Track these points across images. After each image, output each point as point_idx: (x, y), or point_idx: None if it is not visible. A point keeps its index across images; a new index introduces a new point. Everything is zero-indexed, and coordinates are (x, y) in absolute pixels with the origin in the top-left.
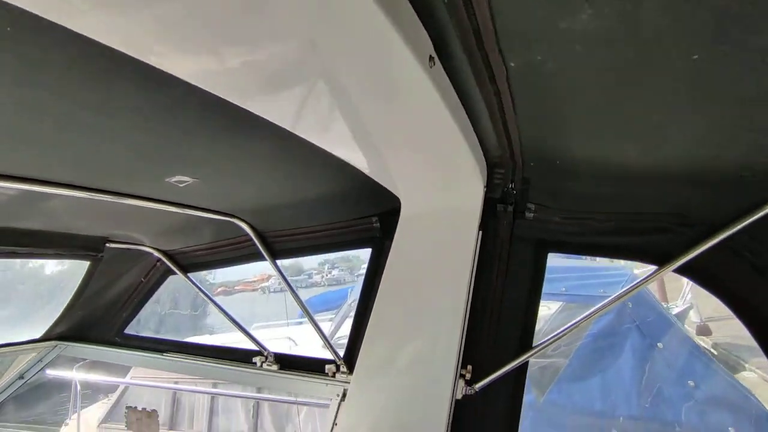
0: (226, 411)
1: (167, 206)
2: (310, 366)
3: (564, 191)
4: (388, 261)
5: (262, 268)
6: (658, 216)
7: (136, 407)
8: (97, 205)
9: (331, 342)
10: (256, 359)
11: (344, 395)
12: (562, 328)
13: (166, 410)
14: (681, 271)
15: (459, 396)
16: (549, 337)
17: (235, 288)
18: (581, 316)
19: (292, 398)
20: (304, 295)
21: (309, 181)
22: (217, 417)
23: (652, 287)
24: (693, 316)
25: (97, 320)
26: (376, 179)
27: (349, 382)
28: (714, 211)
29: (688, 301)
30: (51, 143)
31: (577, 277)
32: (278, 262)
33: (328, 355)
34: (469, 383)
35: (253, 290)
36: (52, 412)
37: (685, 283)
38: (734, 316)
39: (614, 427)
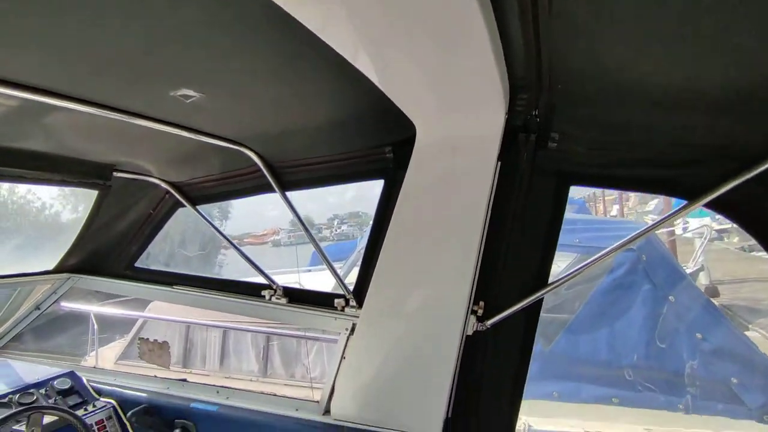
0: (237, 352)
1: (173, 128)
2: (319, 300)
3: (592, 119)
4: (401, 192)
5: (271, 221)
6: (692, 147)
7: (148, 339)
8: (101, 124)
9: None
10: (265, 293)
11: (353, 329)
12: (579, 265)
13: (179, 350)
14: (712, 205)
15: (470, 332)
16: (566, 274)
17: (244, 240)
18: (602, 252)
19: (301, 333)
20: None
21: (320, 105)
22: (228, 357)
23: None
24: (702, 278)
25: (108, 253)
26: (391, 98)
27: (358, 317)
28: (753, 143)
29: (699, 263)
30: (49, 47)
31: (590, 229)
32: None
33: (337, 291)
34: (480, 319)
35: (262, 243)
36: (69, 344)
37: (697, 246)
38: (742, 280)
39: (620, 377)
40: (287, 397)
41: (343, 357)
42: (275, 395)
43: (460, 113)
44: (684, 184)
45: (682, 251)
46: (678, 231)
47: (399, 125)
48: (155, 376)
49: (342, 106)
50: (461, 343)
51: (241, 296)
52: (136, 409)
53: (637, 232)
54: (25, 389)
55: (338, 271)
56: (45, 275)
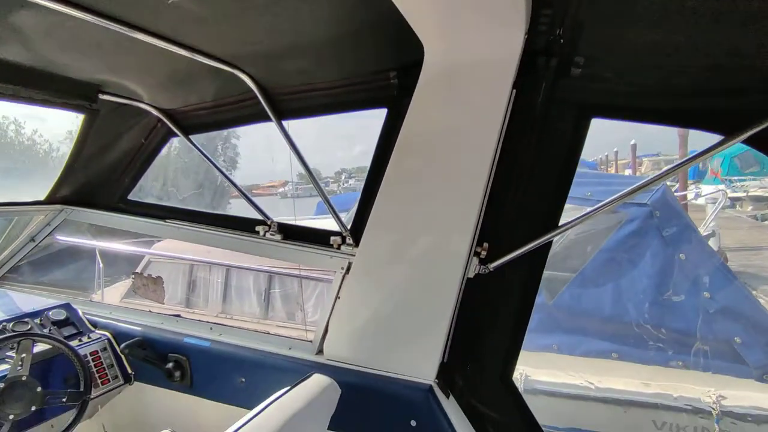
0: (239, 296)
1: (162, 42)
2: (315, 238)
3: (622, 40)
4: (404, 121)
5: (279, 174)
6: (737, 74)
7: (141, 273)
8: (84, 34)
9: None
10: (260, 228)
11: (348, 268)
12: (593, 207)
13: (182, 292)
14: (752, 141)
15: (471, 274)
16: (578, 216)
17: (252, 191)
18: (621, 192)
19: (296, 272)
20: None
21: (319, 22)
22: (230, 300)
23: None
24: (712, 244)
25: (100, 185)
26: (399, 7)
27: (354, 255)
28: None
29: (709, 228)
30: None
31: (603, 183)
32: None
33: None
34: (483, 262)
35: (270, 195)
36: (76, 281)
37: (709, 211)
38: (753, 248)
39: (621, 332)
40: (279, 335)
41: (337, 297)
42: (268, 333)
43: (474, 31)
44: (723, 118)
45: (694, 218)
46: (690, 196)
47: (405, 46)
48: (150, 311)
49: (344, 23)
50: (461, 286)
51: (234, 232)
52: (129, 341)
53: (661, 172)
54: (20, 318)
55: (344, 221)
56: (37, 206)
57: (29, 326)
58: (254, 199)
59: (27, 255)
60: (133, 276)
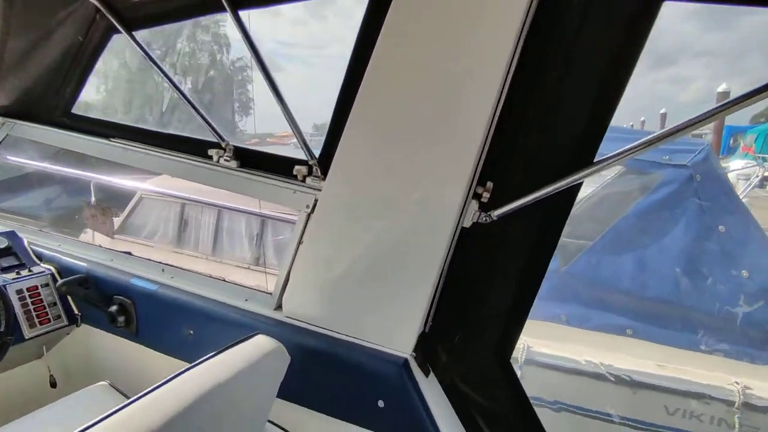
0: (231, 241)
1: None
2: (277, 168)
3: None
4: (388, 15)
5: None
6: None
7: (90, 202)
8: None
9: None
10: (213, 152)
11: (314, 207)
12: (630, 145)
13: (174, 230)
14: None
15: (467, 223)
16: (615, 152)
17: (267, 140)
18: (656, 133)
19: (257, 210)
20: None
21: None
22: (221, 243)
23: None
24: None
25: (40, 95)
26: None
27: (321, 190)
28: None
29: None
30: None
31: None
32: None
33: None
34: (484, 208)
35: (284, 144)
36: (39, 207)
37: (741, 188)
38: None
39: (639, 307)
40: (237, 284)
41: (300, 241)
42: (224, 281)
43: None
44: None
45: None
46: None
47: None
48: (100, 246)
49: None
50: (453, 237)
51: (186, 156)
52: (69, 278)
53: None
54: None
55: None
56: None
57: None
58: (268, 148)
59: None
60: (83, 205)
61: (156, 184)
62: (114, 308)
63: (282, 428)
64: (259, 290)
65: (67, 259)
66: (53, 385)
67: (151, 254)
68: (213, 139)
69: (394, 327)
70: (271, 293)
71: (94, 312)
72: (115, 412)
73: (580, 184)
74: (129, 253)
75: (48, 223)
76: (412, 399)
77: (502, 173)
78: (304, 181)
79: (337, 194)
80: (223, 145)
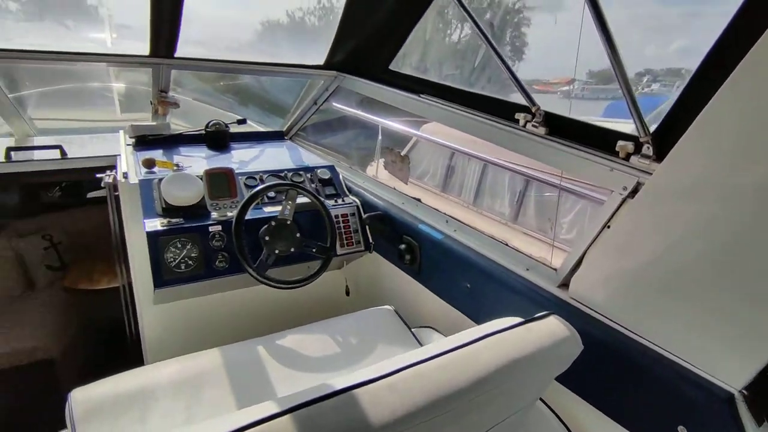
0: (492, 193)
1: None
2: (593, 139)
3: None
4: None
5: (566, 71)
6: None
7: (392, 149)
8: None
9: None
10: (520, 116)
11: (635, 191)
12: None
13: (441, 176)
14: None
15: None
16: None
17: (533, 87)
18: None
19: (565, 183)
20: None
21: None
22: (483, 194)
23: None
24: None
25: (367, 52)
26: None
27: (650, 174)
28: None
29: None
30: None
31: None
32: None
33: (624, 129)
34: None
35: (551, 92)
36: (340, 145)
37: None
38: None
39: None
40: (519, 251)
41: (607, 225)
42: (506, 245)
43: None
44: None
45: None
46: None
47: None
48: (394, 189)
49: None
50: None
51: (491, 117)
52: (372, 213)
53: None
54: (297, 170)
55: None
56: (317, 69)
57: (302, 179)
58: (537, 96)
59: (310, 117)
60: (383, 150)
61: (428, 131)
62: (402, 246)
63: (550, 408)
64: (542, 263)
65: (369, 195)
66: (347, 293)
67: (438, 203)
68: (522, 102)
69: (722, 350)
70: (555, 269)
71: (384, 244)
72: (438, 355)
73: None
74: (419, 200)
75: (351, 160)
76: None
77: None
78: (627, 159)
79: (676, 183)
80: (533, 110)
